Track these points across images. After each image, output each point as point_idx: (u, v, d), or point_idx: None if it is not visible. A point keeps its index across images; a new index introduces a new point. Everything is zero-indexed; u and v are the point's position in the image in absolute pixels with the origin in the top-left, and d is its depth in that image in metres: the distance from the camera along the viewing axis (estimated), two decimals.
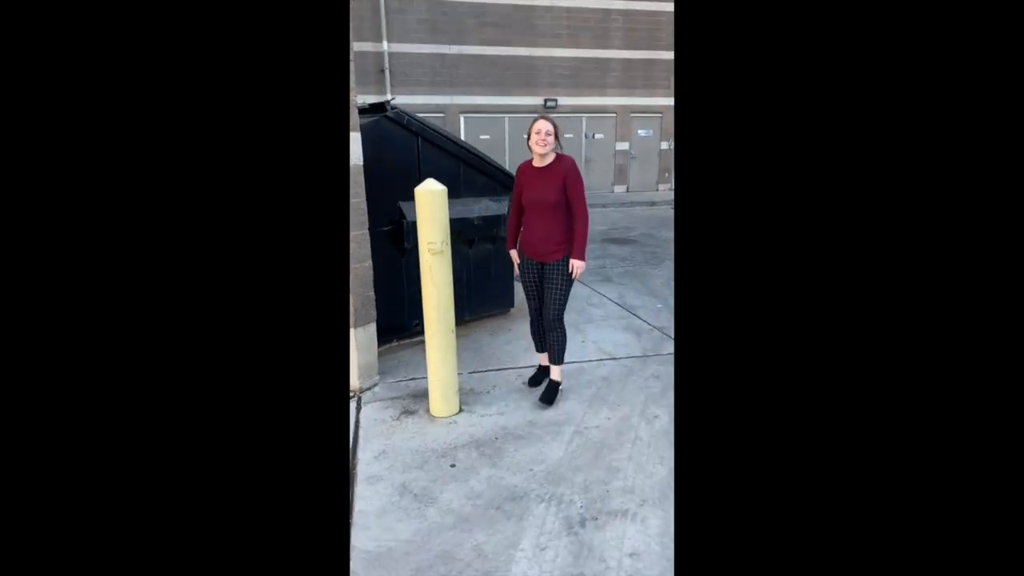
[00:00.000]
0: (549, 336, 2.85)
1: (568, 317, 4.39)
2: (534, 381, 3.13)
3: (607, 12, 12.61)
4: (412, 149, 3.76)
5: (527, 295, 2.92)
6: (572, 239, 2.69)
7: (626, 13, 12.71)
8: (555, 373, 2.94)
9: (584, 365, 3.49)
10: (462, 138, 12.46)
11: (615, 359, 3.58)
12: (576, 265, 2.67)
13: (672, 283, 5.44)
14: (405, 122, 3.66)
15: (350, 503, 2.14)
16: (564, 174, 2.64)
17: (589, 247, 5.62)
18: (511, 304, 4.54)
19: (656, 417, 2.80)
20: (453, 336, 2.76)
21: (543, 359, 3.11)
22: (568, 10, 12.37)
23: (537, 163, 2.71)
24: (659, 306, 4.75)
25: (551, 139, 2.61)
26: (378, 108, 3.69)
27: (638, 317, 4.46)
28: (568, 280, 2.73)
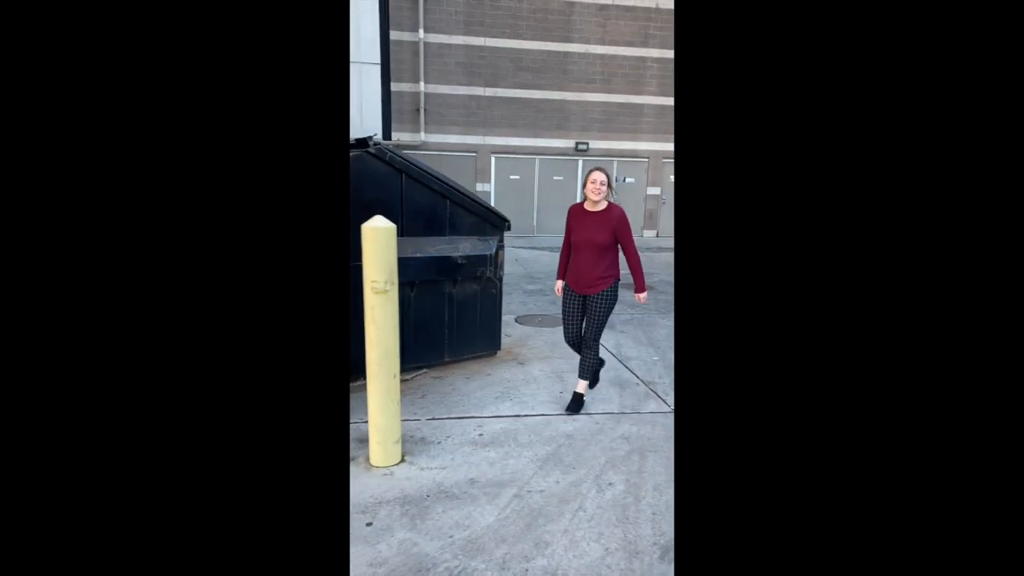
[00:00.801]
0: (585, 354, 3.27)
1: (554, 365, 4.17)
2: (572, 408, 3.37)
3: (642, 59, 12.68)
4: (395, 186, 3.73)
5: (566, 321, 3.33)
6: (615, 275, 3.16)
7: (660, 61, 12.75)
8: (581, 387, 3.36)
9: (552, 418, 3.26)
10: (492, 177, 12.67)
11: (588, 415, 3.33)
12: (640, 297, 3.20)
13: None
14: (387, 158, 3.64)
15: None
16: (615, 222, 3.07)
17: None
18: (497, 347, 4.37)
19: (610, 485, 2.54)
20: (396, 382, 2.61)
21: (581, 387, 3.39)
22: (603, 56, 12.51)
23: (589, 207, 3.13)
24: (655, 358, 4.47)
25: (605, 188, 3.05)
26: (361, 144, 3.69)
27: (628, 369, 4.20)
28: (607, 310, 3.18)
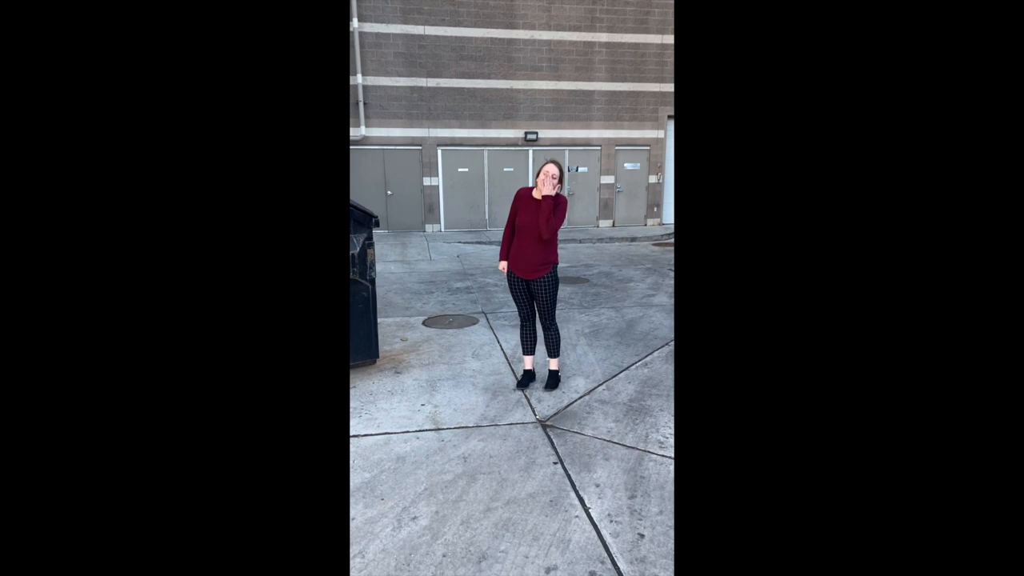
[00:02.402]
0: (547, 335, 3.58)
1: (435, 373, 3.86)
2: (521, 384, 3.68)
3: (590, 44, 12.33)
4: None
5: (517, 303, 3.58)
6: (553, 260, 3.38)
7: (609, 45, 12.41)
8: (553, 364, 3.67)
9: (393, 437, 2.95)
10: (440, 171, 12.31)
11: (438, 430, 3.02)
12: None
13: (590, 328, 4.87)
14: None
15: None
16: (555, 201, 3.24)
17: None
18: (374, 355, 4.04)
19: (414, 519, 2.24)
20: None
21: (528, 362, 3.73)
22: (549, 43, 12.15)
23: (536, 195, 3.30)
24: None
25: (556, 183, 3.23)
26: None
27: (513, 373, 3.90)
28: (552, 292, 3.43)
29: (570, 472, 2.61)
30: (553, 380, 3.66)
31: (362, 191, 11.75)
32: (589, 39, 12.35)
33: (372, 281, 3.97)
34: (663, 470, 2.64)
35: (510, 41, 12.02)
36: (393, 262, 8.65)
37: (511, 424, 3.11)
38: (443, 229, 12.44)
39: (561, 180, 3.27)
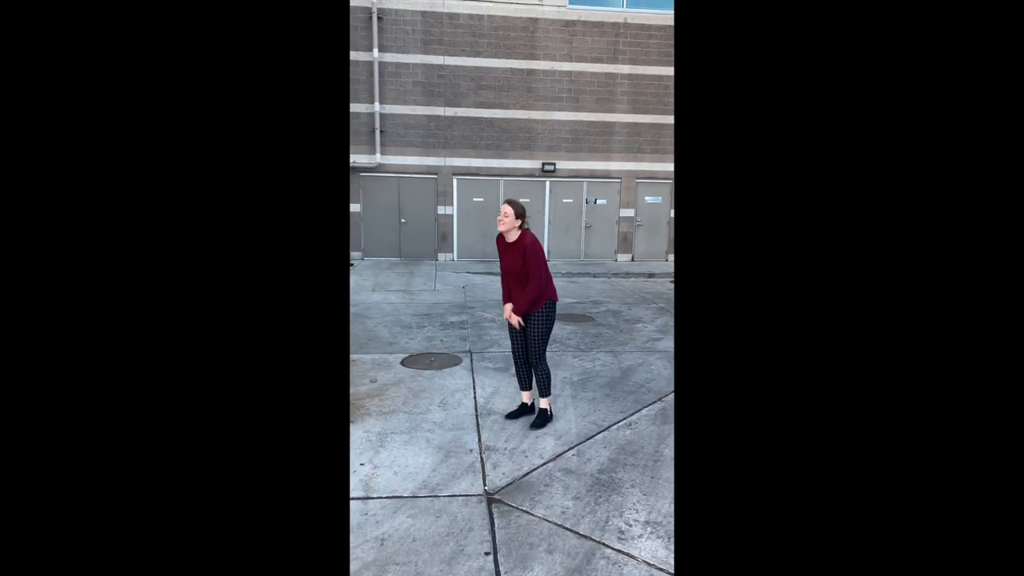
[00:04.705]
0: (536, 373, 3.52)
1: (391, 424, 3.47)
2: (513, 415, 3.67)
3: (611, 76, 12.11)
4: None
5: (511, 338, 3.58)
6: (548, 296, 3.37)
7: (631, 77, 12.16)
8: (543, 403, 3.60)
9: None
10: (455, 200, 12.15)
11: (366, 499, 2.63)
12: (508, 311, 3.41)
13: (580, 375, 4.42)
14: None
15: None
16: (523, 250, 3.28)
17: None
18: None
19: None
20: None
21: (526, 396, 3.70)
22: (570, 74, 11.98)
23: (507, 239, 3.35)
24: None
25: (508, 219, 3.27)
26: None
27: (477, 427, 3.48)
28: (540, 331, 3.41)
29: (501, 569, 2.17)
30: (541, 419, 3.56)
31: (376, 218, 11.66)
32: (611, 70, 12.14)
33: None
34: (614, 572, 2.17)
35: (530, 72, 11.90)
36: (395, 292, 8.39)
37: (452, 496, 2.69)
38: (455, 258, 12.21)
39: (519, 216, 3.30)
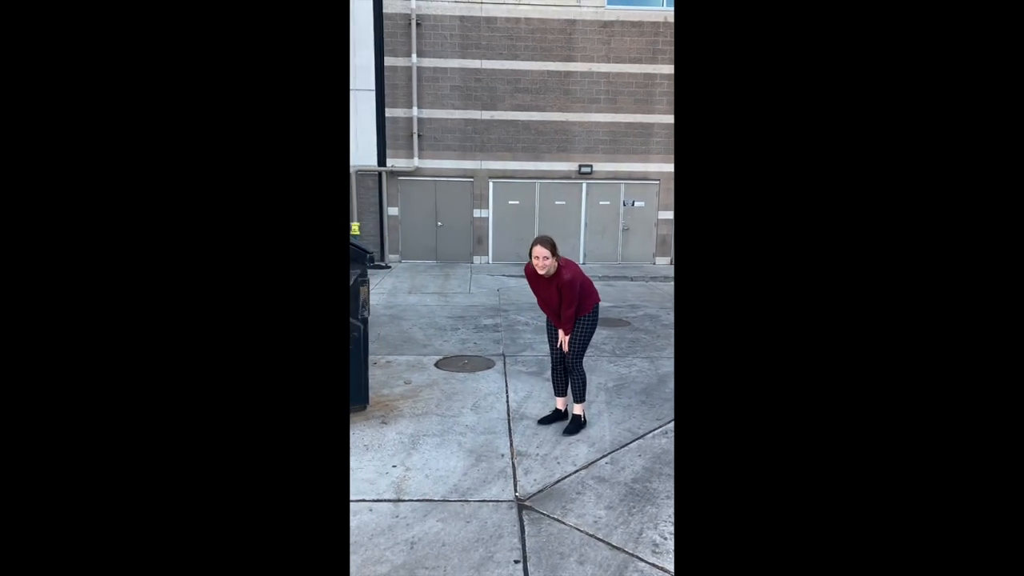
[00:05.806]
0: (572, 377, 3.51)
1: (423, 426, 3.49)
2: (545, 420, 3.63)
3: (650, 76, 11.91)
4: None
5: (549, 343, 3.59)
6: (590, 304, 3.39)
7: (671, 78, 11.92)
8: (577, 409, 3.56)
9: None
10: (490, 203, 12.18)
11: (397, 502, 2.63)
12: (562, 336, 3.42)
13: (616, 381, 4.33)
14: None
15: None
16: (558, 285, 3.25)
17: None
18: (363, 401, 3.74)
19: None
20: None
21: (560, 403, 3.66)
22: (607, 75, 11.85)
23: (540, 272, 3.25)
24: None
25: (548, 261, 3.18)
26: None
27: (509, 432, 3.45)
28: (581, 337, 3.41)
29: None
30: (574, 425, 3.51)
31: (413, 221, 11.81)
32: (650, 71, 11.95)
33: (364, 321, 3.70)
34: None
35: (567, 74, 11.83)
36: (430, 294, 8.46)
37: (483, 501, 2.67)
38: (491, 261, 12.24)
39: (554, 255, 3.21)
